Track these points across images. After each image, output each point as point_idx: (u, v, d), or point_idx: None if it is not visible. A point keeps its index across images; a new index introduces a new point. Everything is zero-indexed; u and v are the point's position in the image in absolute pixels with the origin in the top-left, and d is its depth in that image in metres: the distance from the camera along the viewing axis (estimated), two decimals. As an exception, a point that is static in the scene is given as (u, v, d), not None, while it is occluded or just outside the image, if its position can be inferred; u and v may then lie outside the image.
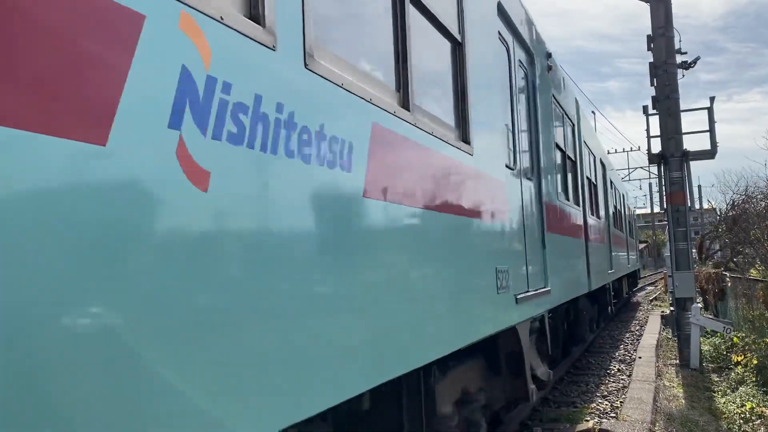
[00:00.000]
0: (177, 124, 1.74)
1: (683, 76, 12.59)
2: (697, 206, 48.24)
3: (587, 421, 6.99)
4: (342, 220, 2.60)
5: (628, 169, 50.55)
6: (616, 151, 53.42)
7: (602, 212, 13.08)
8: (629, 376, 9.75)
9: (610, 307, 15.68)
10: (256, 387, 2.01)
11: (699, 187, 51.55)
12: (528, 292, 5.42)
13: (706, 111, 13.07)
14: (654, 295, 28.65)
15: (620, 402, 8.00)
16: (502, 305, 4.68)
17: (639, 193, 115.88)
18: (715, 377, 10.16)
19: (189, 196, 1.77)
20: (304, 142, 2.34)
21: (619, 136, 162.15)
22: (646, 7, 12.12)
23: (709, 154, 12.77)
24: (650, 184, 48.78)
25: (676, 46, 12.32)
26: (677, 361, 11.34)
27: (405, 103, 3.29)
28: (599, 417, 7.32)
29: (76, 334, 1.44)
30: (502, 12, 5.45)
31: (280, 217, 2.20)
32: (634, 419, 6.84)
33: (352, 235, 2.67)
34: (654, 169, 11.69)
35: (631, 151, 51.12)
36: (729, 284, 15.60)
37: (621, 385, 9.26)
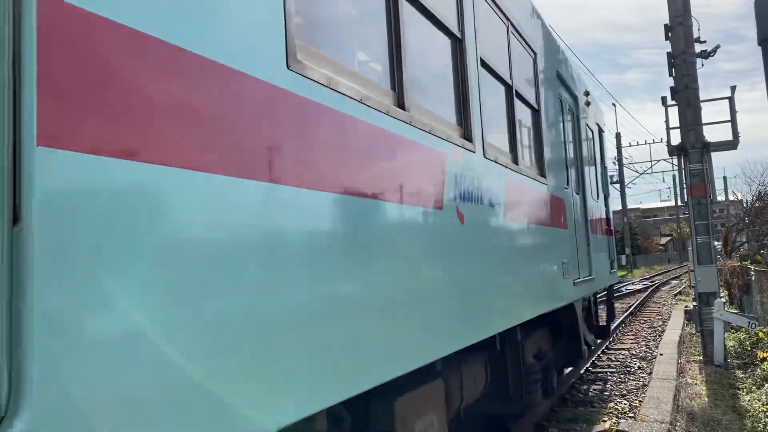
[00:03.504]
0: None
1: (702, 65, 12.28)
2: (722, 198, 47.48)
3: (604, 421, 6.83)
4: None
5: (651, 161, 49.79)
6: (638, 144, 52.79)
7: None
8: (650, 373, 9.53)
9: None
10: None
11: (724, 178, 50.72)
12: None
13: (728, 101, 12.74)
14: (678, 290, 28.17)
15: (639, 401, 7.81)
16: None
17: (662, 185, 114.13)
18: (740, 374, 9.89)
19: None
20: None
21: (641, 129, 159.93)
22: (663, -5, 11.85)
23: (731, 144, 12.44)
24: (674, 176, 48.04)
25: (695, 35, 12.03)
26: (701, 358, 11.08)
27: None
28: (617, 417, 7.14)
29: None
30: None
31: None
32: (653, 419, 6.66)
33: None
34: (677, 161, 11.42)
35: (653, 143, 50.33)
36: (754, 278, 15.22)
37: (641, 383, 9.05)
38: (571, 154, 7.54)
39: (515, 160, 5.06)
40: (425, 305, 3.13)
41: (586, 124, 8.86)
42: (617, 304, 22.20)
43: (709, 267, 11.59)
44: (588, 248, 7.81)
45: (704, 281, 11.55)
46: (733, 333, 12.11)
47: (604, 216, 9.94)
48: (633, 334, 14.64)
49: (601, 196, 9.89)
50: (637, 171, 50.89)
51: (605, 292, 10.99)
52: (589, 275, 7.69)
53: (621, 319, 16.74)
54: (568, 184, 7.06)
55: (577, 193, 7.65)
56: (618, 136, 48.90)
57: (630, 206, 67.78)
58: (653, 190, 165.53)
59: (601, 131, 10.58)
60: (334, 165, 2.43)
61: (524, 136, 5.66)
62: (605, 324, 10.34)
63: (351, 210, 2.52)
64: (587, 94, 9.06)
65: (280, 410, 2.11)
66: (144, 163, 1.60)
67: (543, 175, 5.91)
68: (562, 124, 7.22)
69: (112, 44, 1.55)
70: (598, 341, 10.23)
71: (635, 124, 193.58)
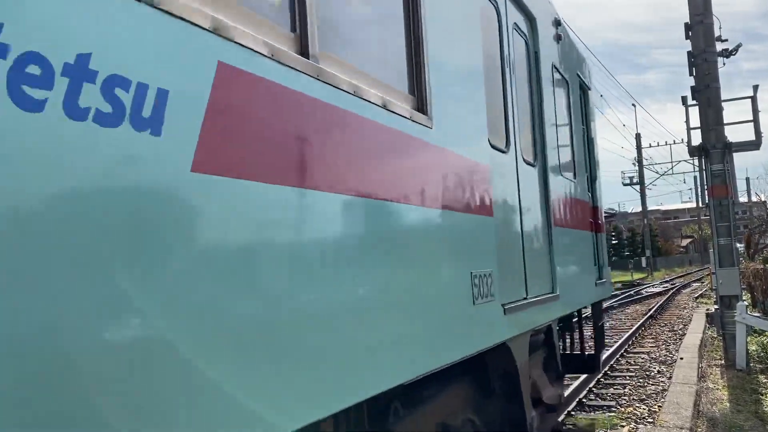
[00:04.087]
0: None
1: (724, 64, 12.12)
2: (744, 199, 46.82)
3: (623, 426, 6.72)
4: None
5: (671, 162, 49.20)
6: (658, 144, 52.18)
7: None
8: (669, 378, 9.38)
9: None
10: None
11: (747, 179, 49.96)
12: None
13: (750, 100, 12.53)
14: (700, 292, 27.78)
15: (659, 406, 7.68)
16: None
17: (683, 186, 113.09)
18: (762, 378, 9.70)
19: None
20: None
21: (661, 129, 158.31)
22: (683, -7, 11.70)
23: (753, 144, 12.24)
24: (695, 177, 47.47)
25: (716, 34, 11.85)
26: (722, 362, 10.89)
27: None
28: (636, 422, 7.03)
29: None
30: None
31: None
32: (673, 425, 6.54)
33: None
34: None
35: (674, 144, 49.73)
36: (777, 280, 14.95)
37: (660, 388, 8.91)
38: (514, 99, 4.81)
39: (306, 52, 2.37)
40: None
41: (554, 66, 6.07)
42: (635, 308, 21.93)
43: (731, 269, 11.39)
44: (549, 249, 5.29)
45: (726, 284, 11.36)
46: (755, 337, 11.88)
47: (588, 204, 7.16)
48: (653, 337, 14.44)
49: (584, 176, 7.05)
50: (657, 172, 50.33)
51: (608, 302, 9.01)
52: (550, 292, 5.19)
53: (636, 327, 16.48)
54: (507, 145, 4.52)
55: (531, 164, 5.09)
56: (638, 136, 48.44)
57: (650, 207, 67.15)
58: (674, 191, 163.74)
59: (585, 88, 7.68)
60: None
61: (349, 14, 3.00)
62: (593, 353, 7.49)
63: None
64: (558, 24, 6.32)
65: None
66: None
67: (421, 110, 3.21)
68: (499, 46, 4.63)
69: None
70: (582, 377, 8.37)
71: (655, 125, 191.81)
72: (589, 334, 7.89)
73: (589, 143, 7.62)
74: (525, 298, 4.50)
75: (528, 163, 5.02)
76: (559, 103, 6.21)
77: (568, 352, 7.21)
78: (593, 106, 8.19)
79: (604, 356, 8.88)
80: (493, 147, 4.17)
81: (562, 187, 5.93)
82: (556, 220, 5.55)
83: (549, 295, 5.09)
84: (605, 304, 21.78)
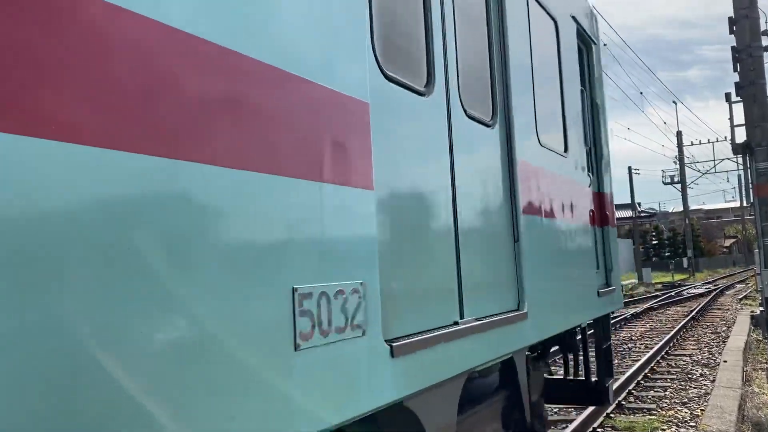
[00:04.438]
0: None
1: (770, 59, 11.77)
2: (791, 198, 45.46)
3: (663, 430, 6.58)
4: None
5: (714, 160, 47.97)
6: (700, 143, 50.94)
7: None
8: (713, 381, 9.15)
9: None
10: None
11: (794, 177, 48.47)
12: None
13: (797, 96, 12.15)
14: (744, 294, 27.06)
15: (701, 410, 7.51)
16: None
17: (727, 185, 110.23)
18: (811, 383, 9.40)
19: None
20: None
21: (704, 127, 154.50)
22: (727, -13, 11.42)
23: (801, 142, 11.86)
24: (739, 176, 46.22)
25: (762, 28, 11.55)
26: (768, 366, 10.60)
27: None
28: (677, 426, 6.88)
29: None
30: None
31: None
32: (716, 429, 6.38)
33: None
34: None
35: (717, 141, 48.54)
36: (827, 282, 14.45)
37: (703, 391, 8.70)
38: (448, 20, 3.28)
39: None
40: None
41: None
42: (677, 309, 21.45)
43: (777, 270, 11.08)
44: (514, 247, 3.83)
45: (772, 285, 11.05)
46: (803, 340, 11.53)
47: (588, 189, 5.53)
48: (695, 340, 14.11)
49: (581, 151, 5.46)
50: (699, 170, 49.17)
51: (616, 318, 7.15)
52: (513, 309, 3.71)
53: (678, 328, 16.10)
54: (428, 84, 3.07)
55: (484, 123, 3.62)
56: (679, 134, 47.36)
57: (692, 207, 65.68)
58: (717, 190, 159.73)
59: (588, 41, 6.06)
60: None
61: None
62: (596, 378, 5.87)
63: None
64: None
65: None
66: None
67: None
68: None
69: None
70: (584, 414, 6.73)
71: (697, 122, 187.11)
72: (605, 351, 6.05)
73: (593, 111, 6.00)
74: (456, 323, 3.00)
75: (477, 120, 3.52)
76: (540, 48, 4.56)
77: (570, 377, 5.85)
78: (600, 65, 6.46)
79: (615, 385, 7.10)
80: (389, 79, 2.69)
81: (541, 161, 4.37)
82: (528, 206, 4.02)
83: (509, 315, 3.55)
84: (645, 306, 21.37)
